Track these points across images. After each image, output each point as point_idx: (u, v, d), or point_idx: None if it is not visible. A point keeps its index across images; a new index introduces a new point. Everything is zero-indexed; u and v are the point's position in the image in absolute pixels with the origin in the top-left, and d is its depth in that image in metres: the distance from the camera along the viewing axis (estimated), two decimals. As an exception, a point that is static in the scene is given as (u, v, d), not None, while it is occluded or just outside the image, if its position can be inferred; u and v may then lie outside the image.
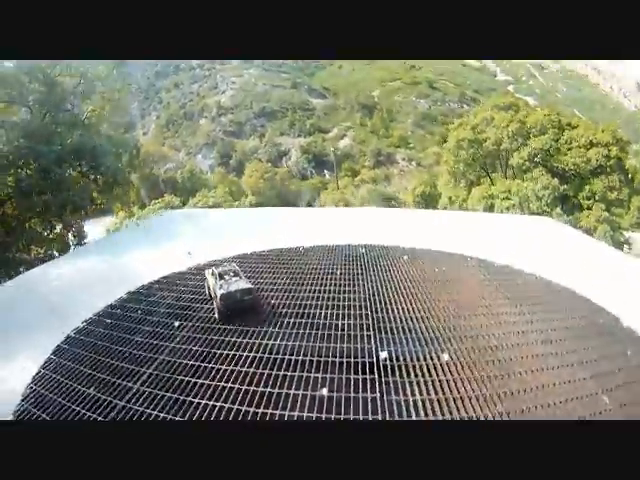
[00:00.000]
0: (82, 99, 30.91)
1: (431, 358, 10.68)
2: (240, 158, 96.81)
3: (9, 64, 27.37)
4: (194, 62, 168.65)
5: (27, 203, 25.30)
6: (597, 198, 32.29)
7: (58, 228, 29.22)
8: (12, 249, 26.41)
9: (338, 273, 16.31)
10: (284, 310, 13.32)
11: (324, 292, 14.55)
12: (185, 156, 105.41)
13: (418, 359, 10.65)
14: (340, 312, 12.92)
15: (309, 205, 75.96)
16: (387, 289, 14.74)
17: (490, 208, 32.93)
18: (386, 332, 11.77)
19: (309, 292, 14.68)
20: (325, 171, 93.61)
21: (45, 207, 25.86)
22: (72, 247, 29.22)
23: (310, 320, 12.58)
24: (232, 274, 13.60)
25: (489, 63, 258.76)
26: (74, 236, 29.65)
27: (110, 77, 32.92)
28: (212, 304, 13.67)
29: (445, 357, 10.68)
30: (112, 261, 19.41)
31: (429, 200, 37.40)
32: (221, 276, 13.43)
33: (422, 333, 11.74)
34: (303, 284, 15.43)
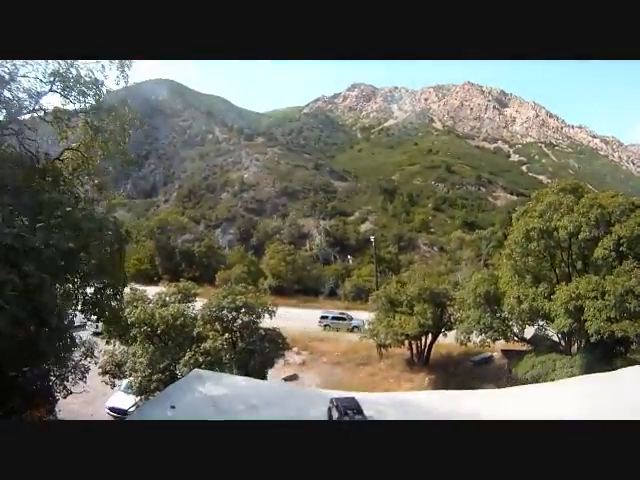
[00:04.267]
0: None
1: None
2: (261, 237, 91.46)
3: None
4: (220, 136, 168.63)
5: None
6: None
7: None
8: None
9: None
10: None
11: None
12: (204, 229, 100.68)
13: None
14: None
15: (333, 292, 70.04)
16: None
17: (579, 311, 26.39)
18: None
19: None
20: (349, 256, 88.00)
21: None
22: None
23: None
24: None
25: (502, 145, 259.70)
26: None
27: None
28: None
29: None
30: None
31: (492, 300, 30.62)
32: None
33: None
34: None
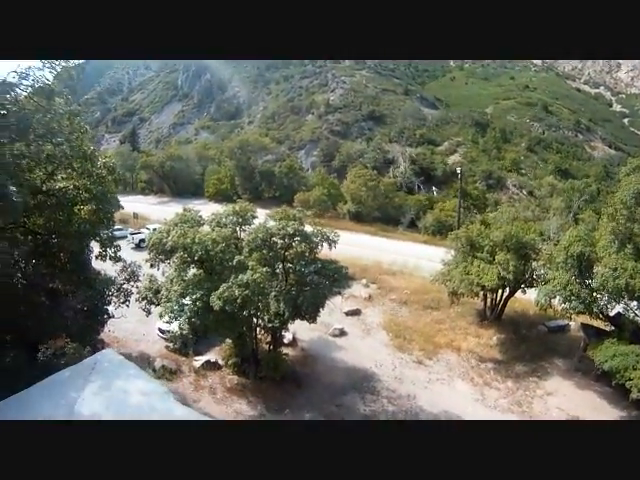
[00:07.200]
0: None
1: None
2: (344, 160, 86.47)
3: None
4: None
5: None
6: None
7: None
8: None
9: None
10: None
11: None
12: (287, 150, 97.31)
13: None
14: None
15: (413, 224, 65.14)
16: None
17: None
18: None
19: None
20: (433, 188, 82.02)
21: None
22: None
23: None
24: None
25: (604, 92, 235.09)
26: None
27: None
28: None
29: None
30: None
31: (584, 265, 24.90)
32: None
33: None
34: None
